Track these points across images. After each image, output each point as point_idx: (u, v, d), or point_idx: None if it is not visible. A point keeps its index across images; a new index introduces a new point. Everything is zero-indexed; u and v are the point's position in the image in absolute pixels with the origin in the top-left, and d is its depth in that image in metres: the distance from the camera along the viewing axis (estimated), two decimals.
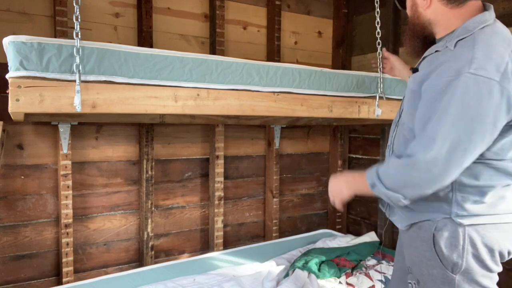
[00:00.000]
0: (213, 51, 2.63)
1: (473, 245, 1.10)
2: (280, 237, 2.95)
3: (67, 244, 2.18)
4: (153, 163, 2.44)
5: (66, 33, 2.10)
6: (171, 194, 2.59)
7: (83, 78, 1.30)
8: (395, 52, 2.71)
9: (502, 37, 1.10)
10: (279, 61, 2.86)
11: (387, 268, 2.30)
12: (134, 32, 2.39)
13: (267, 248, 2.63)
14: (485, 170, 1.12)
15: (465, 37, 1.12)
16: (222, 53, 2.62)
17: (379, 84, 2.01)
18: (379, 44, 1.97)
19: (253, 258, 2.43)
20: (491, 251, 1.11)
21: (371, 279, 2.17)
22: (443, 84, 1.06)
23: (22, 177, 2.12)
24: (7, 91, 1.21)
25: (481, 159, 1.11)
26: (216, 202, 2.67)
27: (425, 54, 1.27)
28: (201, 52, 2.46)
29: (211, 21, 2.64)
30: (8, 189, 2.09)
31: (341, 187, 1.33)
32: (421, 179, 1.09)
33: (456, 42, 1.13)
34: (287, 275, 2.18)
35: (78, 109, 1.28)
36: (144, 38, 2.34)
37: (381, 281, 2.16)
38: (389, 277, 2.19)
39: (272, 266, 2.28)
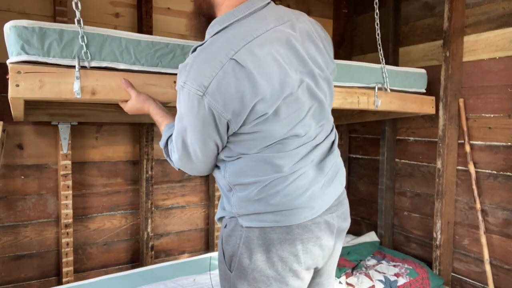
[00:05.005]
0: None
1: (248, 245, 1.07)
2: None
3: (67, 244, 2.18)
4: (153, 163, 2.44)
5: None
6: (171, 194, 2.59)
7: (84, 64, 1.30)
8: (395, 52, 2.71)
9: (235, 37, 1.01)
10: None
11: (387, 268, 2.30)
12: (134, 32, 2.39)
13: None
14: (250, 165, 1.07)
15: (205, 42, 1.07)
16: None
17: (383, 74, 2.00)
18: (379, 45, 1.98)
19: None
20: (266, 254, 1.06)
21: (371, 279, 2.17)
22: (179, 89, 1.04)
23: (22, 177, 2.12)
24: (7, 77, 1.20)
25: (244, 154, 1.07)
26: (216, 202, 2.66)
27: None
28: None
29: None
30: (8, 189, 2.09)
31: (138, 110, 1.35)
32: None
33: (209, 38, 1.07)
34: None
35: (78, 95, 1.27)
36: None
37: (381, 281, 2.16)
38: (389, 277, 2.19)
39: None
